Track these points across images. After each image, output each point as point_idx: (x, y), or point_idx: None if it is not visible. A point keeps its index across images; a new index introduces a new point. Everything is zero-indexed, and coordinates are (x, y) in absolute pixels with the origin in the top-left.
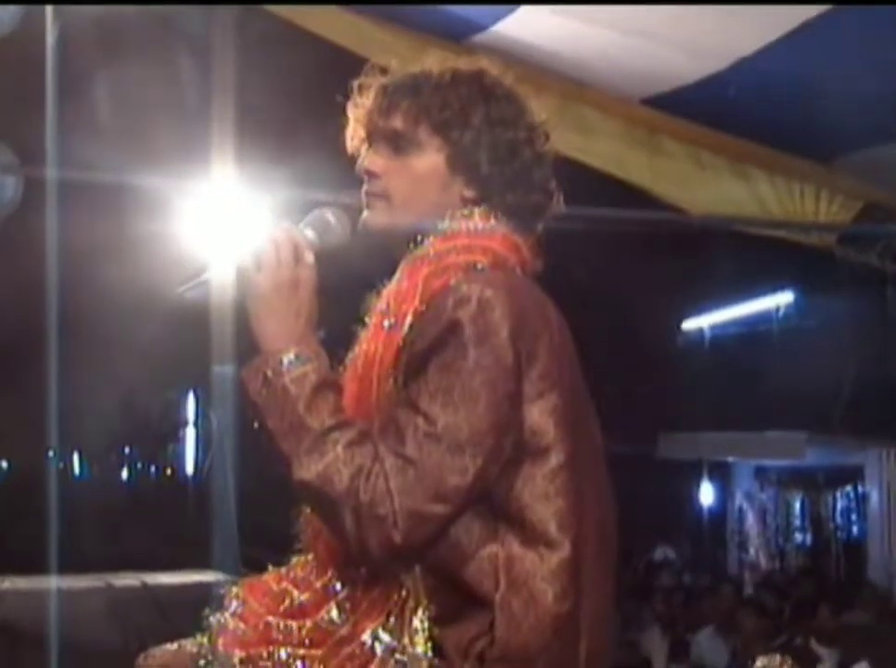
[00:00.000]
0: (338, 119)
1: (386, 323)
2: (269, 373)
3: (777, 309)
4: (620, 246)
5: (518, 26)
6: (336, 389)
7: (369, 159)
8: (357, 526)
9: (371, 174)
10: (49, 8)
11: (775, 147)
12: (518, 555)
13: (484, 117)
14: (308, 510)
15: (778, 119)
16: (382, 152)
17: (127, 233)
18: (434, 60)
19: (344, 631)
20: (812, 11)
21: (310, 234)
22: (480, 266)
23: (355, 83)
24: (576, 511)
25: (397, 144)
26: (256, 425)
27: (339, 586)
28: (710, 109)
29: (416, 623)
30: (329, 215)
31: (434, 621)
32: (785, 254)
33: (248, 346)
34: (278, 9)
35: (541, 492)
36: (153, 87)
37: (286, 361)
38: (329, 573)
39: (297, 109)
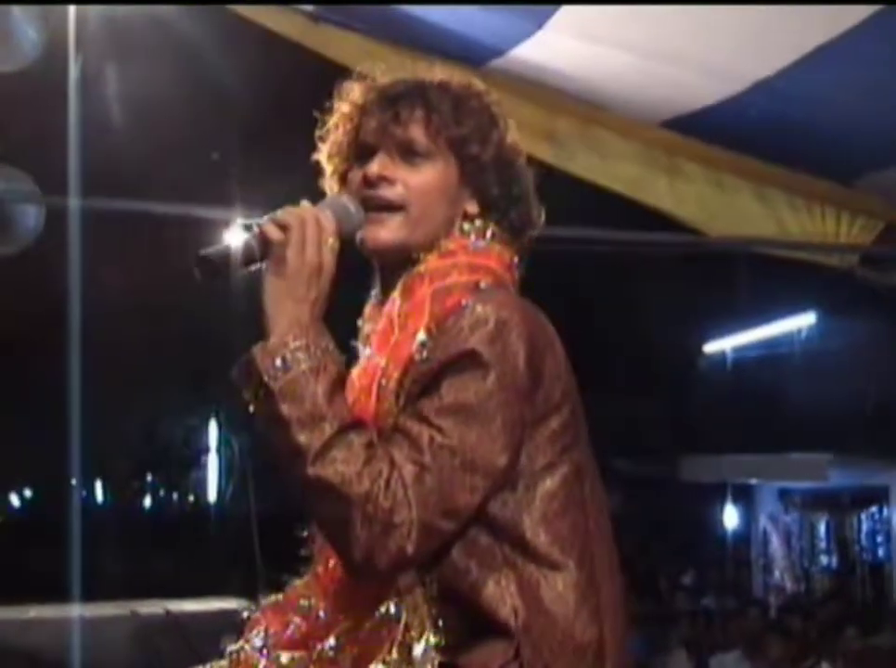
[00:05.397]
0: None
1: (392, 339)
2: (288, 357)
3: (799, 331)
4: (641, 269)
5: (537, 50)
6: (345, 387)
7: (381, 163)
8: (369, 532)
9: (385, 180)
10: (71, 40)
11: (795, 169)
12: (527, 578)
13: (498, 135)
14: (311, 512)
15: (798, 140)
16: (396, 160)
17: (149, 261)
18: (422, 69)
19: (347, 665)
20: (832, 32)
21: (330, 217)
22: (484, 286)
23: (340, 88)
24: (580, 532)
25: (412, 154)
26: (252, 409)
27: (340, 617)
28: (729, 131)
29: (419, 653)
30: (347, 201)
31: (448, 650)
32: (806, 276)
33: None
34: (286, 30)
35: (540, 515)
36: (167, 112)
37: (307, 348)
38: (328, 601)
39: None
